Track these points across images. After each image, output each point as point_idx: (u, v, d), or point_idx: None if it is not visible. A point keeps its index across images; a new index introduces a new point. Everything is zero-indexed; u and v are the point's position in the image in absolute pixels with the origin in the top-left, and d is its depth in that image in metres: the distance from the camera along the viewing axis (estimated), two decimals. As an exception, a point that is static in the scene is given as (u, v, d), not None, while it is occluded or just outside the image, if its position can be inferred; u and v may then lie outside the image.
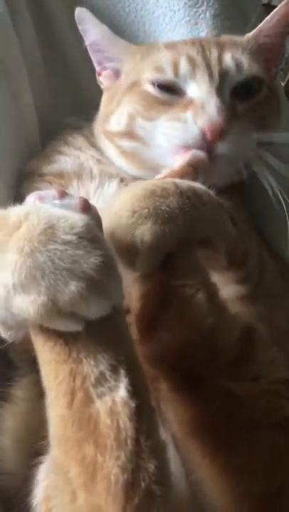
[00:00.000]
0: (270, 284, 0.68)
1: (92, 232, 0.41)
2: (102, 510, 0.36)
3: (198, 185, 0.55)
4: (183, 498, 0.50)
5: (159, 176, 0.61)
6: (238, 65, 0.72)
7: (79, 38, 0.80)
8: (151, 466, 0.37)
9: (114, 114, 0.78)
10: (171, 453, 0.51)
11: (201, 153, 0.64)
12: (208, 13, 0.92)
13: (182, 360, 0.48)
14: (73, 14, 0.80)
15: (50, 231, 0.40)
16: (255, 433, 0.49)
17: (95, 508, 0.36)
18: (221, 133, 0.66)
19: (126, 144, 0.75)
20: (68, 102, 0.93)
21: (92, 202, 0.50)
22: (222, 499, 0.48)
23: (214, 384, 0.48)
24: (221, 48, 0.74)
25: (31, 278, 0.38)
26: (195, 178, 0.59)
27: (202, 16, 0.92)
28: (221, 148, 0.66)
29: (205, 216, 0.53)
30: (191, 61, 0.72)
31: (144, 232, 0.47)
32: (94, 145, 0.81)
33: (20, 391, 0.62)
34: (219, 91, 0.70)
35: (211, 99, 0.68)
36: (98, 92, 0.84)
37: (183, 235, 0.50)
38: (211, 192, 0.56)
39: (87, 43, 0.80)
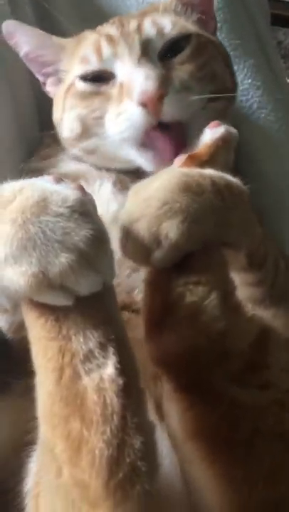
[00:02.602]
0: (285, 286, 0.67)
1: (85, 207, 0.41)
2: (86, 485, 0.36)
3: (236, 182, 0.52)
4: (177, 495, 0.49)
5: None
6: (159, 29, 0.71)
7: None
8: (137, 443, 0.36)
9: (63, 121, 0.77)
10: (166, 448, 0.51)
11: (233, 129, 0.60)
12: None
13: (187, 363, 0.46)
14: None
15: (42, 204, 0.40)
16: (258, 444, 0.47)
17: (79, 483, 0.36)
18: (159, 97, 0.64)
19: (86, 143, 0.75)
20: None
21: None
22: (218, 506, 0.46)
23: (219, 389, 0.46)
24: (142, 16, 0.74)
25: (22, 249, 0.39)
26: (229, 154, 0.58)
27: None
28: (167, 112, 0.65)
29: (236, 219, 0.51)
30: (111, 41, 0.71)
31: (171, 227, 0.45)
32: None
33: (17, 385, 0.62)
34: (144, 59, 0.69)
35: (136, 71, 0.67)
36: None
37: (210, 237, 0.48)
38: (247, 191, 0.54)
39: (21, 54, 0.78)
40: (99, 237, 0.40)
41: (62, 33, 0.82)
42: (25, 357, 0.43)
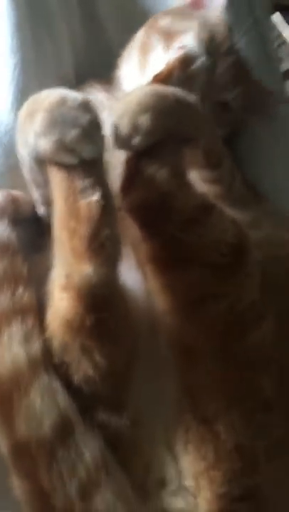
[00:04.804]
0: (240, 191, 0.92)
1: (88, 105, 0.67)
2: (77, 251, 0.63)
3: (191, 97, 0.76)
4: (139, 302, 0.76)
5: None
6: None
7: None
8: (107, 231, 0.63)
9: None
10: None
11: (192, 51, 0.85)
12: None
13: (145, 212, 0.71)
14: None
15: (62, 100, 0.67)
16: (190, 268, 0.71)
17: (73, 251, 0.64)
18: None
19: None
20: (102, 59, 1.07)
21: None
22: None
23: (166, 229, 0.70)
24: None
25: (50, 126, 0.65)
26: (184, 72, 0.83)
27: None
28: None
29: (192, 119, 0.75)
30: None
31: (145, 118, 0.67)
32: (107, 91, 1.03)
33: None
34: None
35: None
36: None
37: (174, 128, 0.69)
38: (200, 107, 0.78)
39: None
40: (96, 122, 0.66)
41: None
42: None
